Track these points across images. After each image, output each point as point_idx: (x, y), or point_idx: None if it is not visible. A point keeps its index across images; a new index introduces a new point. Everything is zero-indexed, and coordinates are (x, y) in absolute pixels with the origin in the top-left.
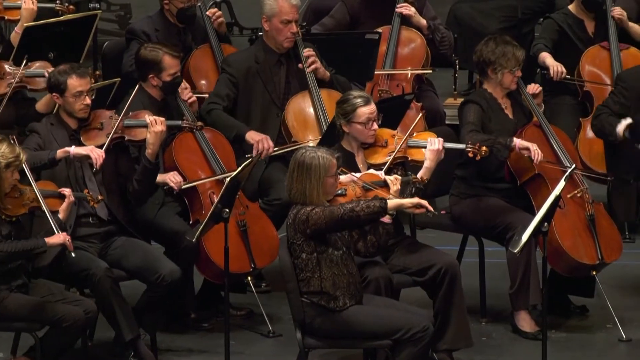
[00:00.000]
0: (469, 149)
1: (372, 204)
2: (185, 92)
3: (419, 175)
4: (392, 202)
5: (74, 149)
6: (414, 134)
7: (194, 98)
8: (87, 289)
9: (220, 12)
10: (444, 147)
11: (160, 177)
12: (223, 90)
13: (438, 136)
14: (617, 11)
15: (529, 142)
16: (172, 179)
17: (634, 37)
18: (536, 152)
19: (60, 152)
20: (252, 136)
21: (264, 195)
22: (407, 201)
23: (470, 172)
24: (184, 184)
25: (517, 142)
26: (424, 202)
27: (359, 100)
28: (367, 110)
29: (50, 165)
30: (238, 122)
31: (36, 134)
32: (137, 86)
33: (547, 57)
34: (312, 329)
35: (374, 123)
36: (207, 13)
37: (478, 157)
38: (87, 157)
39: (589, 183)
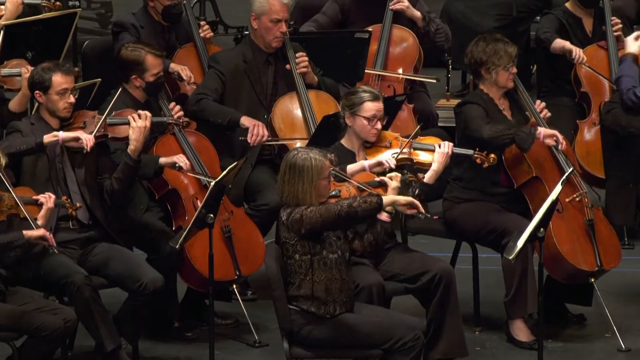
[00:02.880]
0: (477, 156)
1: (369, 200)
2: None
3: (425, 178)
4: (387, 199)
5: (62, 134)
6: (418, 137)
7: (180, 113)
8: (66, 297)
9: (208, 28)
10: (452, 152)
11: (167, 159)
12: (212, 84)
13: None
14: (617, 24)
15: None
16: (180, 158)
17: None
18: (563, 138)
19: (47, 137)
20: (247, 120)
21: (250, 200)
22: (402, 198)
23: (465, 175)
24: (193, 173)
25: (542, 130)
26: (417, 203)
27: (367, 94)
28: (373, 106)
29: (37, 150)
30: (231, 109)
31: (18, 133)
32: (119, 89)
33: (566, 43)
34: (300, 338)
35: (378, 122)
36: (200, 30)
37: (486, 165)
38: (76, 139)
39: (587, 187)
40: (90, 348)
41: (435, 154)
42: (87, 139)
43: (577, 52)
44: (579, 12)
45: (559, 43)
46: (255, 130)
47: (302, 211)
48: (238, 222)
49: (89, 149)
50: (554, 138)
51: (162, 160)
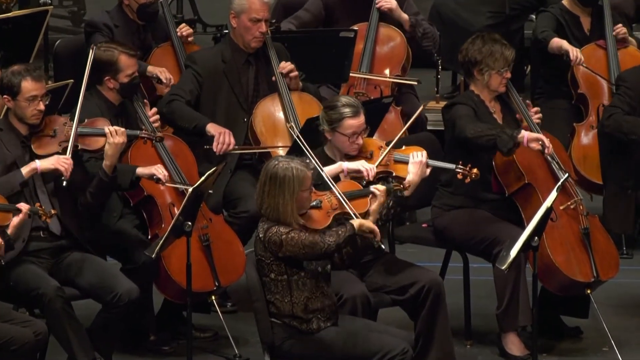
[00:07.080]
0: (459, 170)
1: (347, 233)
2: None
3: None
4: (356, 223)
5: (40, 165)
6: (403, 147)
7: (159, 122)
8: (37, 309)
9: (188, 29)
10: (429, 164)
11: (145, 170)
12: (187, 85)
13: (420, 144)
14: (621, 30)
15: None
16: (158, 170)
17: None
18: (548, 143)
19: (27, 173)
20: (213, 128)
21: (229, 207)
22: (369, 225)
23: (454, 181)
24: (171, 183)
25: (526, 134)
26: (377, 231)
27: (347, 110)
28: (354, 123)
29: (21, 187)
30: (200, 114)
31: None
32: (82, 91)
33: (563, 42)
34: (282, 352)
35: (359, 137)
36: (177, 29)
37: (467, 180)
38: (56, 170)
39: (582, 194)
40: None
41: (409, 165)
42: (67, 167)
43: (575, 52)
44: (576, 10)
45: (556, 42)
46: (221, 138)
47: (283, 236)
48: (217, 230)
49: (68, 176)
50: (539, 142)
51: (140, 170)
